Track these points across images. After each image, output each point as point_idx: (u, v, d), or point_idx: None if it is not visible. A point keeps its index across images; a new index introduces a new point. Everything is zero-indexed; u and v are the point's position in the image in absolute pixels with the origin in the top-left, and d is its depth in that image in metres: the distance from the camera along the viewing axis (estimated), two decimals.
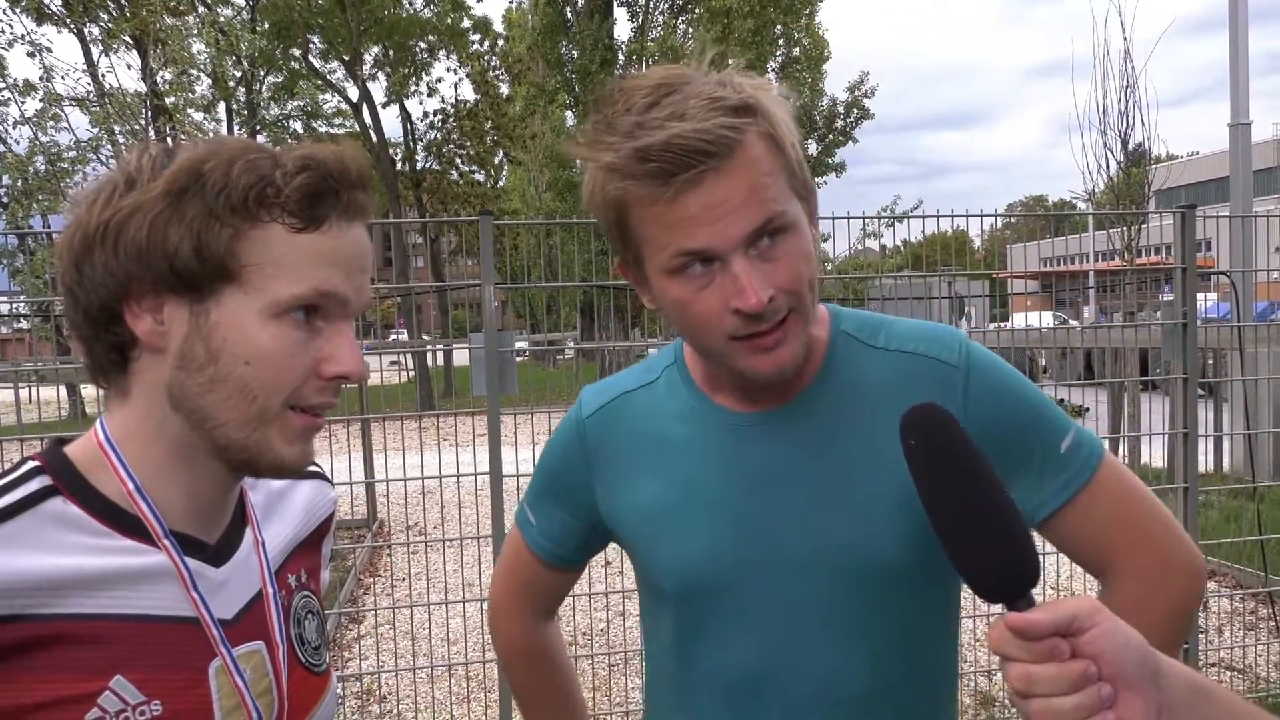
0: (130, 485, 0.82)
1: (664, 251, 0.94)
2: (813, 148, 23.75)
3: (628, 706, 4.31)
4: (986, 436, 1.02)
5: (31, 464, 0.82)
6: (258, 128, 19.34)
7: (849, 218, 4.04)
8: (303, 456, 0.86)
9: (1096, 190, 11.47)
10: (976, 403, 1.04)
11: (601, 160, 0.93)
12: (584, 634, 5.42)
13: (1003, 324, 6.29)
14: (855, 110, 24.77)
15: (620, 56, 20.83)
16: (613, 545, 1.25)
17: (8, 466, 0.83)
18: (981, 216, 4.08)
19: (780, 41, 22.50)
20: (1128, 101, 11.31)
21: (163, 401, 0.83)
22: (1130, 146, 11.31)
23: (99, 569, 0.78)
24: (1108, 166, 11.46)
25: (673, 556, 1.08)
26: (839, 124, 24.77)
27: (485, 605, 4.07)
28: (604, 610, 5.51)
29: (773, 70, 22.30)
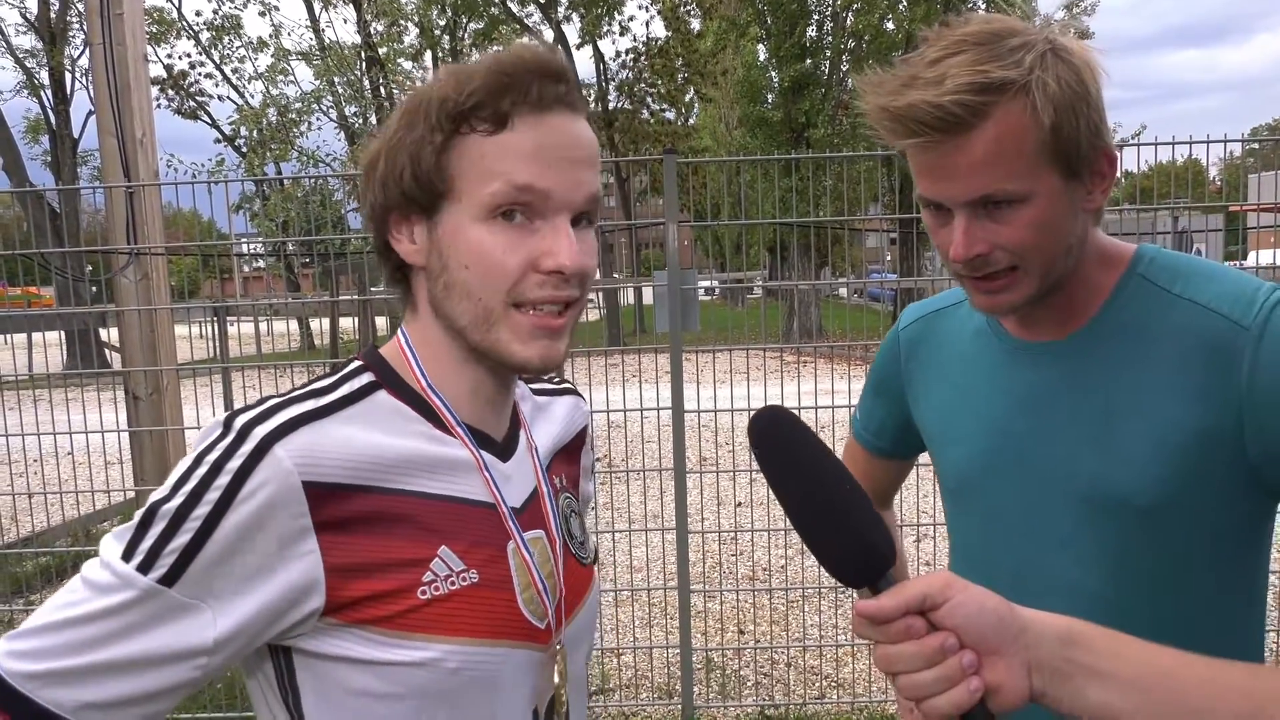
0: (424, 382, 0.92)
1: (918, 187, 1.08)
2: None
3: (805, 641, 4.37)
4: (1273, 410, 0.99)
5: (357, 363, 0.93)
6: None
7: None
8: (545, 354, 0.88)
9: None
10: (1265, 368, 0.99)
11: (866, 102, 1.05)
12: (763, 569, 5.50)
13: (1239, 262, 5.69)
14: (1071, 31, 22.75)
15: None
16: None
17: (328, 371, 0.95)
18: (1209, 143, 3.70)
19: None
20: None
21: (431, 312, 0.92)
22: None
23: (423, 453, 0.89)
24: None
25: (946, 459, 1.25)
26: None
27: (667, 536, 4.21)
28: (783, 547, 5.56)
29: None
